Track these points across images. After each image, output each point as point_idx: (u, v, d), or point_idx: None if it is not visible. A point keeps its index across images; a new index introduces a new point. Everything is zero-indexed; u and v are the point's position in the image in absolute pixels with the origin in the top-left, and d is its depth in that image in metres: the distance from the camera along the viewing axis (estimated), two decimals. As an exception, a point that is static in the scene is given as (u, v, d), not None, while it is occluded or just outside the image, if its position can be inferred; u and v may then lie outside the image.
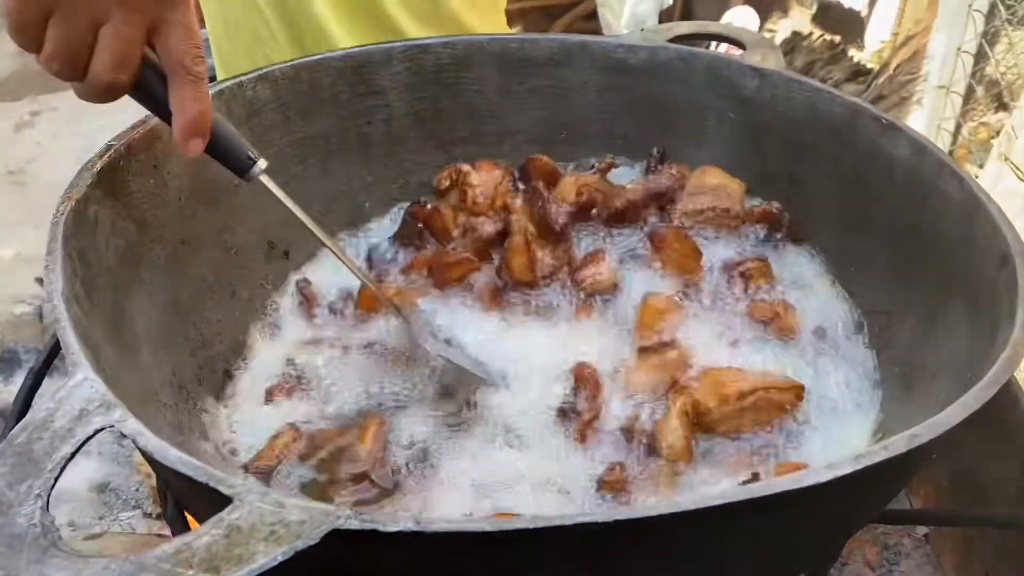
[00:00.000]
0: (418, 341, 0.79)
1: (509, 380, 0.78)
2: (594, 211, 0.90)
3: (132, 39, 0.60)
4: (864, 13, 2.99)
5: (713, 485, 0.68)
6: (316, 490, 0.69)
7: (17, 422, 0.52)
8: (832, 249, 0.89)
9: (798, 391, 0.76)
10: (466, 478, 0.70)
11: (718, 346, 0.81)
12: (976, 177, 1.18)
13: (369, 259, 0.93)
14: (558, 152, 0.98)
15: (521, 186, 0.94)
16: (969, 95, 2.21)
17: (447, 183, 0.96)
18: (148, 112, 0.69)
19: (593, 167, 0.98)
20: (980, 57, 2.13)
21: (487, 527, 0.46)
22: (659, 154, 0.96)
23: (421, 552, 0.47)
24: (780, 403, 0.74)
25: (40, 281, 2.00)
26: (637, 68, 0.95)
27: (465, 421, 0.75)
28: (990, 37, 2.12)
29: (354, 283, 0.87)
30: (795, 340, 0.83)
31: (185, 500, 0.67)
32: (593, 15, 2.59)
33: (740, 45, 0.97)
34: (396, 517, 0.45)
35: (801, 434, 0.74)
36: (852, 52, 2.52)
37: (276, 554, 0.42)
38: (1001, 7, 2.08)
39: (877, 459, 0.48)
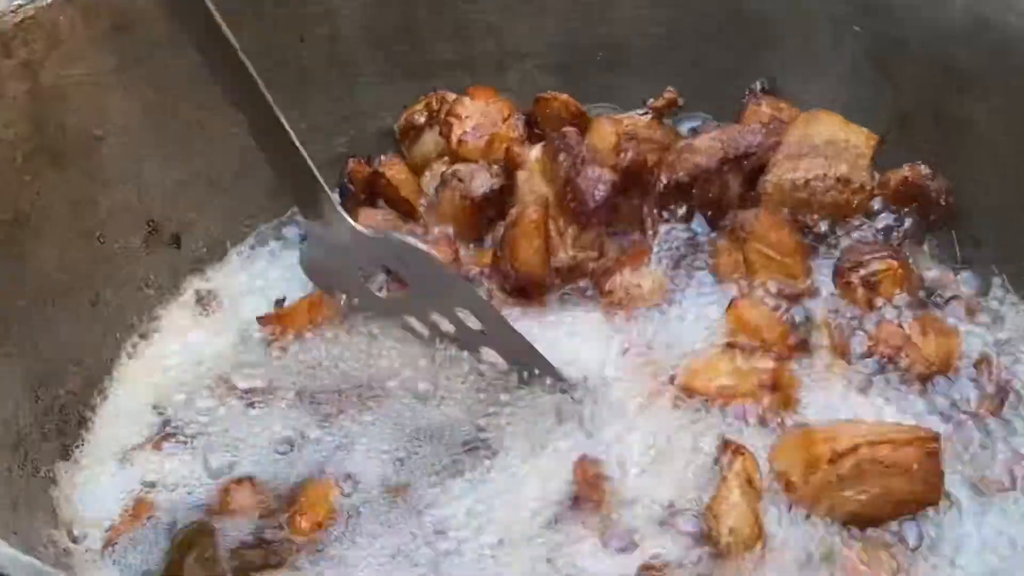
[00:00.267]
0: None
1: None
2: (649, 179, 0.73)
3: None
4: None
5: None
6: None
7: None
8: (1005, 239, 0.76)
9: (929, 446, 0.58)
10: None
11: (832, 391, 0.68)
12: None
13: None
14: (588, 87, 0.85)
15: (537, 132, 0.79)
16: None
17: (422, 118, 0.80)
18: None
19: (645, 108, 0.81)
20: None
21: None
22: (762, 88, 0.81)
23: None
24: (905, 466, 0.57)
25: None
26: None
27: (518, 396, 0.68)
28: None
29: (279, 289, 0.77)
30: (953, 378, 0.69)
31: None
32: None
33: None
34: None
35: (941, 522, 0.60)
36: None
37: None
38: None
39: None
